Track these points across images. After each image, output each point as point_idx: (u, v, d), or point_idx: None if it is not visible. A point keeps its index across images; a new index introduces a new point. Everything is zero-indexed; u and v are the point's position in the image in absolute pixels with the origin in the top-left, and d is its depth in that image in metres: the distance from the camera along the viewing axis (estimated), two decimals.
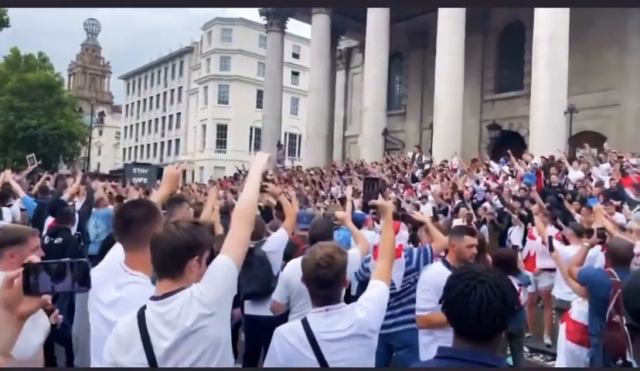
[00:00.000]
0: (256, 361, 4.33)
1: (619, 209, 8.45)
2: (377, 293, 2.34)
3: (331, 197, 13.59)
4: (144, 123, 62.73)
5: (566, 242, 6.25)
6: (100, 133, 70.44)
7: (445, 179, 13.43)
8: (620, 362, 3.30)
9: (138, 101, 63.92)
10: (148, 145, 61.35)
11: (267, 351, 2.30)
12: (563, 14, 15.49)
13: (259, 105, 40.26)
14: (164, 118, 59.13)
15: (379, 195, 2.79)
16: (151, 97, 61.45)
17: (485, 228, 9.32)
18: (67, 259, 1.41)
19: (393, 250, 2.68)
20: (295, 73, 49.72)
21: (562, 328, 4.80)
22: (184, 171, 41.68)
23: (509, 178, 12.82)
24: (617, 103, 19.02)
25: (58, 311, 3.17)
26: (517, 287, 4.91)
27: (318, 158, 23.53)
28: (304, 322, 2.20)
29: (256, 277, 4.19)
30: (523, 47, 20.45)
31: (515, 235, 9.13)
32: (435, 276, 3.42)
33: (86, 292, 2.25)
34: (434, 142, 18.59)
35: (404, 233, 6.25)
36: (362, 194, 5.05)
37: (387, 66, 22.04)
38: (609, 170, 11.33)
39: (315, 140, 24.46)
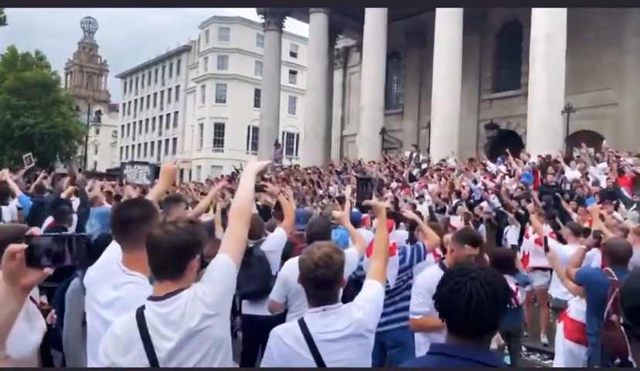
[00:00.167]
0: (253, 360, 4.32)
1: (616, 208, 8.50)
2: (373, 293, 2.34)
3: (329, 196, 13.59)
4: (141, 121, 62.56)
5: (563, 241, 6.25)
6: (97, 132, 70.38)
7: (443, 178, 13.45)
8: (618, 361, 3.30)
9: (135, 100, 63.72)
10: (146, 144, 61.18)
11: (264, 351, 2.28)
12: (560, 14, 15.56)
13: (256, 104, 40.15)
14: (161, 117, 58.99)
15: (373, 195, 2.80)
16: (149, 96, 61.27)
17: (482, 227, 9.34)
18: (69, 232, 1.46)
19: (387, 249, 2.69)
20: (293, 72, 49.70)
21: (560, 326, 4.79)
22: (181, 170, 41.64)
23: (506, 177, 12.85)
24: (614, 103, 19.06)
25: (54, 311, 3.16)
26: (514, 287, 4.92)
27: (315, 157, 23.53)
28: (301, 323, 2.18)
29: (254, 276, 4.18)
30: (521, 46, 20.44)
31: (511, 234, 9.16)
32: (429, 279, 3.41)
33: (87, 267, 2.26)
34: (432, 141, 18.61)
35: (403, 232, 6.27)
36: (355, 194, 5.05)
37: (385, 65, 22.03)
38: (606, 169, 11.37)
39: (313, 139, 24.43)
